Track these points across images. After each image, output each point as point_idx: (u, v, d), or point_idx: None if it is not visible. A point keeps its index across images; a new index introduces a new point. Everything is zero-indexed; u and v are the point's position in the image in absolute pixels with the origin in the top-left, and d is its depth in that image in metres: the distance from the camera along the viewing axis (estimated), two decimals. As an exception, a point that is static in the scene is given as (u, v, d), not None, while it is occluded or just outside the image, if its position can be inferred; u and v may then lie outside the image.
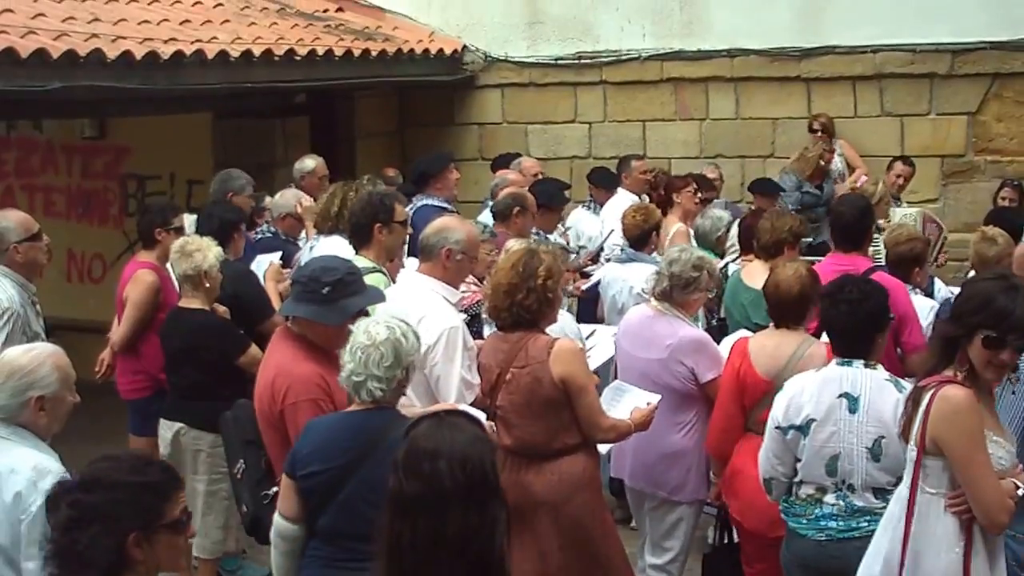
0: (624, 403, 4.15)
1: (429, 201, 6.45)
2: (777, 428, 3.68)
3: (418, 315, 3.90)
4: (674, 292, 4.49)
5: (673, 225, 6.50)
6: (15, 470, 3.09)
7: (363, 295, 3.77)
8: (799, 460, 3.65)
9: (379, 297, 3.94)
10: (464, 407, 3.77)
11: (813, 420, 3.60)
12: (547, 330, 4.16)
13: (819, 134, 8.43)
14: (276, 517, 3.35)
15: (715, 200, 7.65)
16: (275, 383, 3.68)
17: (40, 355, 3.24)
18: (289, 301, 3.84)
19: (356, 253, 4.78)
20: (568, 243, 6.89)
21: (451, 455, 2.21)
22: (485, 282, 4.45)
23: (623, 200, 7.39)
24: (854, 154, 8.62)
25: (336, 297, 3.66)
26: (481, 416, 3.63)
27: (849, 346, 3.64)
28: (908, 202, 7.93)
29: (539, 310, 3.93)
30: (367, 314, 3.91)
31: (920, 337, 4.64)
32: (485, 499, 2.20)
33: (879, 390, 3.57)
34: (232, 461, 3.90)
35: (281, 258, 5.98)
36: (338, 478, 3.18)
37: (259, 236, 6.39)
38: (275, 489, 3.72)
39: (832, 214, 5.09)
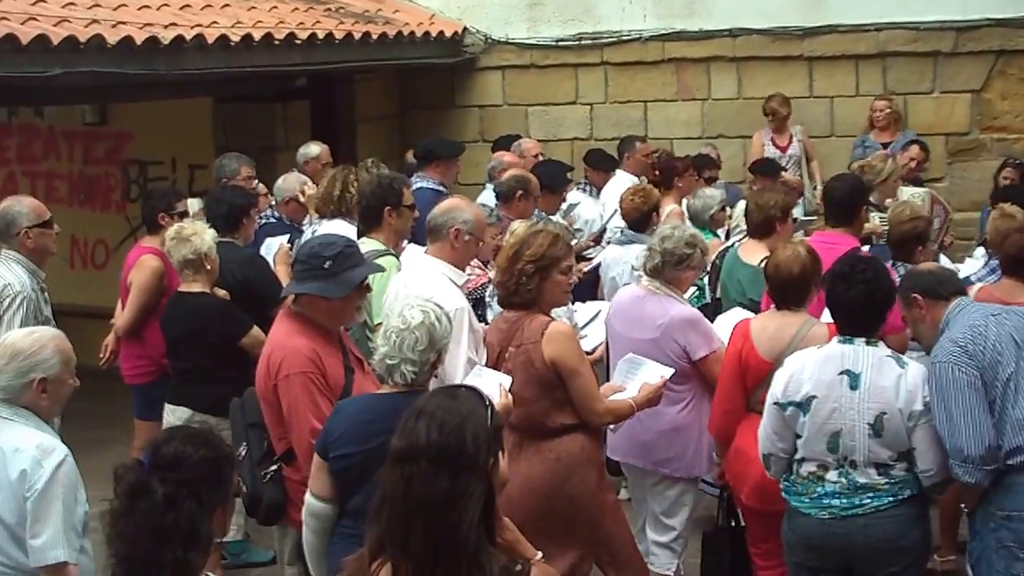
0: (638, 377, 4.14)
1: (426, 184, 6.45)
2: (776, 404, 3.68)
3: (425, 296, 3.90)
4: (666, 269, 4.48)
5: (668, 206, 6.49)
6: (19, 449, 3.13)
7: (364, 266, 3.81)
8: (799, 436, 3.65)
9: (377, 267, 3.99)
10: (490, 371, 3.80)
11: (813, 397, 3.59)
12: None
13: (769, 119, 8.45)
14: (308, 496, 3.39)
15: (718, 181, 7.65)
16: (270, 358, 3.74)
17: (42, 338, 3.28)
18: (292, 281, 3.85)
19: (366, 236, 4.79)
20: (572, 225, 6.88)
21: (432, 415, 2.26)
22: (490, 265, 4.45)
23: (623, 182, 7.37)
24: (810, 143, 8.57)
25: (338, 270, 3.69)
26: (507, 381, 3.66)
27: (859, 325, 3.63)
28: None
29: (520, 292, 3.93)
30: (369, 289, 3.93)
31: (899, 317, 4.63)
32: (458, 468, 2.20)
33: (880, 366, 3.57)
34: (236, 444, 3.88)
35: (288, 242, 5.99)
36: (371, 460, 3.17)
37: (263, 221, 6.40)
38: (274, 468, 3.76)
39: (824, 190, 5.09)
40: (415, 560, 2.19)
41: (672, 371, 4.19)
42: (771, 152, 8.34)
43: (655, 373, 4.12)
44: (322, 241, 3.85)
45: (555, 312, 4.52)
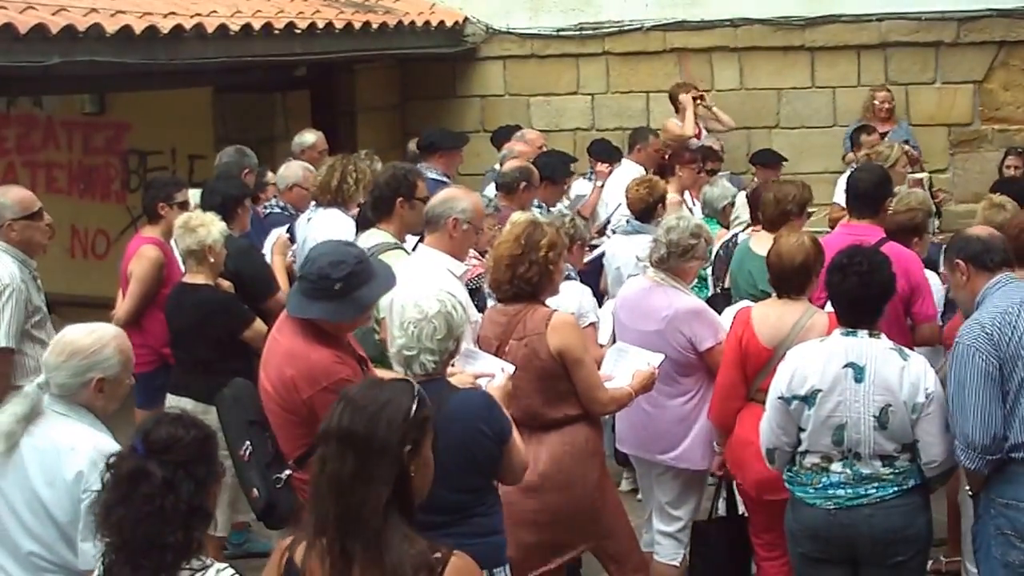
0: (625, 364, 4.14)
1: (430, 174, 6.43)
2: (780, 399, 3.67)
3: (418, 286, 3.87)
4: (671, 259, 4.47)
5: (668, 196, 6.47)
6: (75, 448, 3.06)
7: (374, 282, 3.63)
8: (803, 430, 3.65)
9: (390, 282, 3.76)
10: (488, 356, 3.77)
11: (819, 391, 3.59)
12: (560, 304, 4.15)
13: (702, 99, 8.43)
14: None
15: (720, 172, 7.63)
16: (293, 373, 3.58)
17: (103, 337, 3.20)
18: (298, 298, 3.68)
19: (376, 226, 4.76)
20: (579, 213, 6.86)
21: (351, 400, 2.35)
22: (487, 255, 4.43)
23: (629, 172, 7.35)
24: (724, 114, 8.56)
25: (348, 291, 3.55)
26: (510, 368, 3.65)
27: (857, 317, 3.63)
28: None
29: (540, 282, 3.94)
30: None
31: (932, 308, 4.58)
32: (365, 452, 2.29)
33: (884, 359, 3.57)
34: (235, 442, 3.77)
35: (288, 230, 5.98)
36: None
37: (268, 211, 6.39)
38: (287, 472, 3.67)
39: (849, 180, 5.02)
40: (327, 535, 2.30)
41: (661, 357, 4.19)
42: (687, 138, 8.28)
43: (642, 360, 4.14)
44: (332, 260, 3.57)
45: (579, 308, 4.53)
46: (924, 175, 7.19)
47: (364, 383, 2.42)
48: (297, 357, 3.60)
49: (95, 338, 3.19)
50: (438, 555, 2.30)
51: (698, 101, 8.35)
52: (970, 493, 3.80)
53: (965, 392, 3.48)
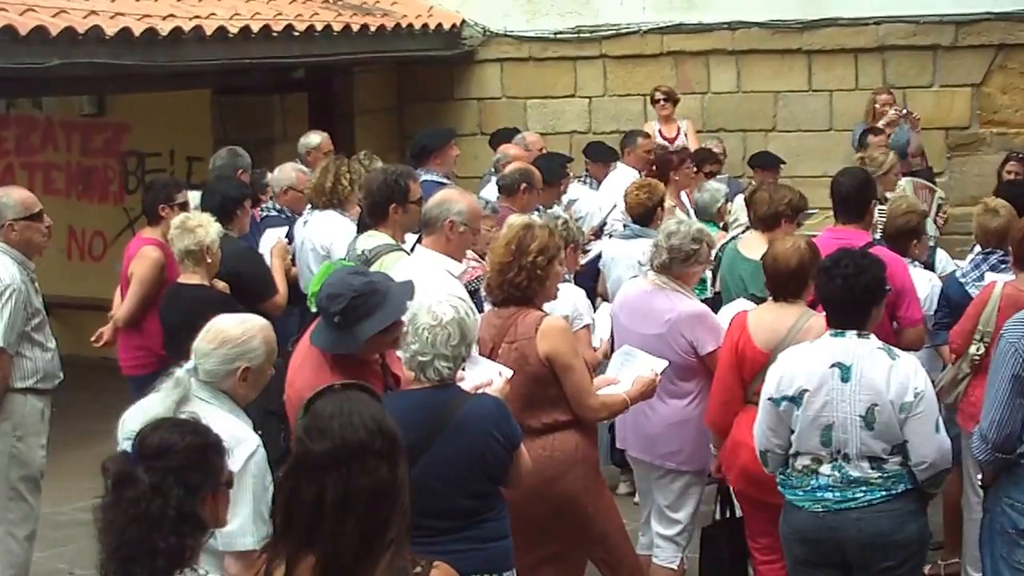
0: (631, 369, 4.13)
1: (429, 177, 6.44)
2: (770, 400, 3.68)
3: (422, 289, 3.87)
4: (673, 265, 4.47)
5: (665, 202, 6.47)
6: None
7: (379, 313, 3.55)
8: (793, 431, 3.66)
9: (399, 310, 3.62)
10: (486, 360, 3.77)
11: (806, 391, 3.60)
12: (554, 306, 4.15)
13: (660, 103, 8.47)
14: None
15: (717, 175, 7.64)
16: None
17: (252, 328, 3.32)
18: (317, 324, 3.70)
19: (373, 229, 4.76)
20: (572, 217, 6.86)
21: (361, 412, 2.31)
22: (486, 258, 4.44)
23: (624, 175, 7.36)
24: (696, 137, 8.55)
25: (348, 323, 3.54)
26: (508, 372, 3.65)
27: (844, 318, 3.64)
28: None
29: (530, 287, 3.92)
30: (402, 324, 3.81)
31: (917, 312, 4.59)
32: (395, 455, 2.27)
33: (871, 358, 3.57)
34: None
35: (286, 235, 5.99)
36: (409, 457, 3.17)
37: (264, 214, 6.40)
38: None
39: (832, 185, 5.05)
40: (334, 555, 2.20)
41: (666, 364, 4.18)
42: (660, 142, 8.28)
43: (646, 366, 4.13)
44: (331, 292, 3.58)
45: (573, 310, 4.53)
46: (939, 193, 7.17)
47: (326, 397, 2.39)
48: (316, 386, 3.58)
49: (245, 328, 3.31)
50: (418, 570, 2.24)
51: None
52: (981, 485, 3.84)
53: (993, 386, 3.55)
